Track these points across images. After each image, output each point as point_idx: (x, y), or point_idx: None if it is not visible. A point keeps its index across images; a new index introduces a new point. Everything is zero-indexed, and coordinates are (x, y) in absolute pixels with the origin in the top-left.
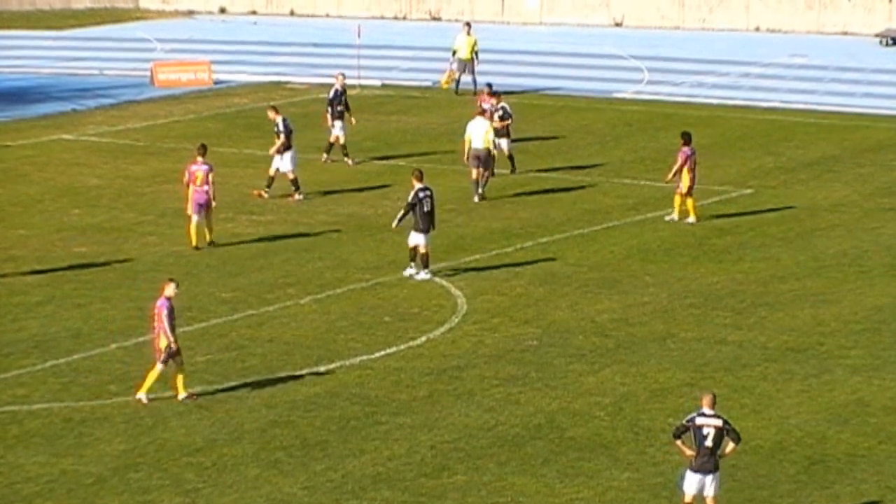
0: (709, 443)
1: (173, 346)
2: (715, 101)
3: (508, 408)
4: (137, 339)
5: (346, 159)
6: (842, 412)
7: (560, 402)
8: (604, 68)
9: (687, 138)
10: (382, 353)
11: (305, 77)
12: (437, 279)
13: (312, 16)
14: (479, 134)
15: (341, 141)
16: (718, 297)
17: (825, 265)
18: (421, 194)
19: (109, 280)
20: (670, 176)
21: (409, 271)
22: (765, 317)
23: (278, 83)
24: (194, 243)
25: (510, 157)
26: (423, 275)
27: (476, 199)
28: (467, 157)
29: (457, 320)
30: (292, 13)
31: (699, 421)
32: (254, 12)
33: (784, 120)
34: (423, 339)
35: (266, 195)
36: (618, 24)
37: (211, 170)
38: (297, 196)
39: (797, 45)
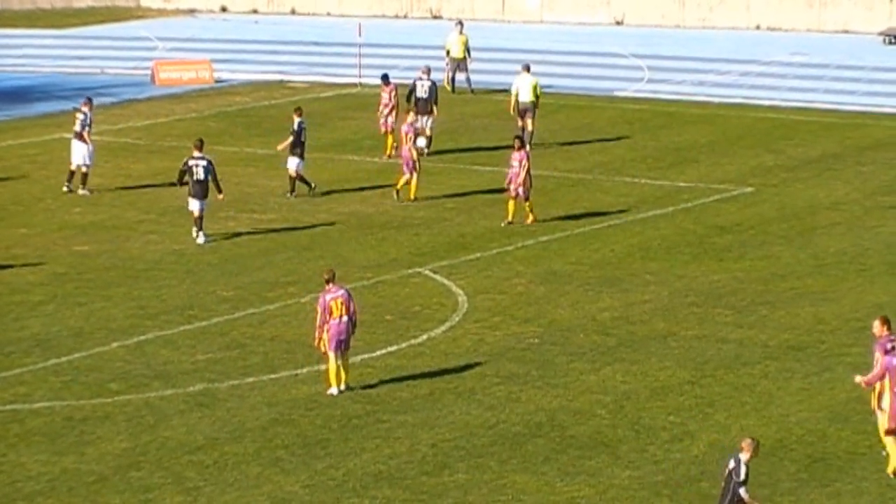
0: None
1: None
2: (716, 100)
3: (509, 406)
4: (138, 337)
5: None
6: (842, 410)
7: (561, 401)
8: (604, 67)
9: (520, 142)
10: (384, 351)
11: (306, 76)
12: (438, 277)
13: (313, 14)
14: (525, 88)
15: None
16: (719, 296)
17: (826, 263)
18: (191, 162)
19: (111, 279)
20: (521, 180)
21: (196, 235)
22: (765, 315)
23: (279, 82)
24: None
25: (299, 178)
26: (200, 238)
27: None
28: (513, 110)
29: (458, 318)
30: (293, 12)
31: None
32: (255, 11)
33: (785, 118)
34: (425, 337)
35: (73, 189)
36: (618, 23)
37: None
38: (81, 190)
39: (798, 43)
